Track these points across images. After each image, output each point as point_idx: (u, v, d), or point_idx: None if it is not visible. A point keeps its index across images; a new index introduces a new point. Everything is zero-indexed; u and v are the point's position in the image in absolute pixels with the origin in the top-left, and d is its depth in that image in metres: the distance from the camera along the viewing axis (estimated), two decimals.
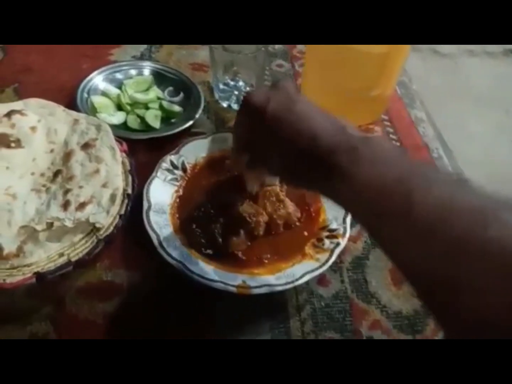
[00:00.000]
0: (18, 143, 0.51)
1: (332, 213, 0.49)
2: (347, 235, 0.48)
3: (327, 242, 0.47)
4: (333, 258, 0.45)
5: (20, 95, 0.63)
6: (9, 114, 0.52)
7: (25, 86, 0.65)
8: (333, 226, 0.48)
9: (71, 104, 0.59)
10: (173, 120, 0.61)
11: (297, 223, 0.49)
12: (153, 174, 0.51)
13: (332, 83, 0.61)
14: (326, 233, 0.48)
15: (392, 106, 0.68)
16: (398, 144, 0.63)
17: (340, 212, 0.49)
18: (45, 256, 0.42)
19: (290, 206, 0.49)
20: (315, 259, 0.45)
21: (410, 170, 0.28)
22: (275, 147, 0.34)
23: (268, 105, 0.33)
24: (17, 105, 0.54)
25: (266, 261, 0.46)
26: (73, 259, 0.42)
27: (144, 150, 0.56)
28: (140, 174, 0.51)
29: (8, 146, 0.50)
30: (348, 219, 0.48)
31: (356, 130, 0.32)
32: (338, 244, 0.46)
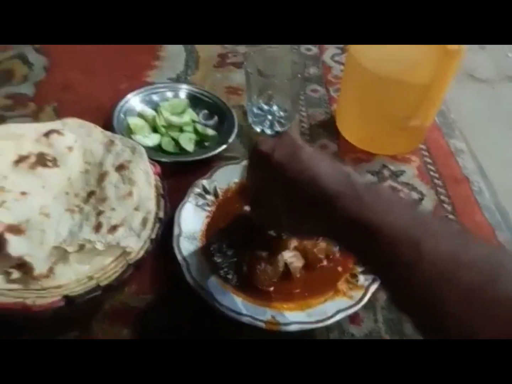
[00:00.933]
0: (54, 162, 0.52)
1: None
2: None
3: (361, 278, 0.45)
4: (368, 296, 0.43)
5: (59, 113, 0.65)
6: (47, 134, 0.53)
7: (64, 105, 0.67)
8: None
9: (107, 123, 0.60)
10: (206, 144, 0.61)
11: (337, 254, 0.47)
12: (185, 199, 0.50)
13: (370, 111, 0.60)
14: (360, 268, 0.46)
15: (430, 135, 0.66)
16: (437, 175, 0.61)
17: None
18: (74, 279, 0.42)
19: None
20: (348, 296, 0.43)
21: (414, 220, 0.29)
22: (281, 195, 0.35)
23: (274, 154, 0.35)
24: (55, 124, 0.55)
25: (296, 295, 0.44)
26: (102, 284, 0.42)
27: (177, 173, 0.56)
28: (172, 197, 0.50)
29: (45, 165, 0.51)
30: None
31: (360, 177, 0.32)
32: (373, 281, 0.44)
